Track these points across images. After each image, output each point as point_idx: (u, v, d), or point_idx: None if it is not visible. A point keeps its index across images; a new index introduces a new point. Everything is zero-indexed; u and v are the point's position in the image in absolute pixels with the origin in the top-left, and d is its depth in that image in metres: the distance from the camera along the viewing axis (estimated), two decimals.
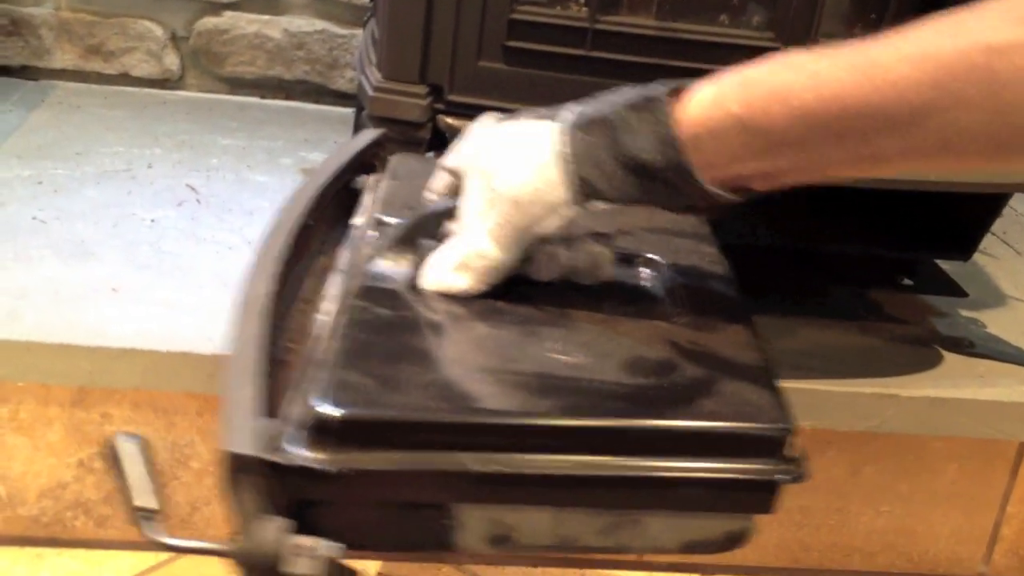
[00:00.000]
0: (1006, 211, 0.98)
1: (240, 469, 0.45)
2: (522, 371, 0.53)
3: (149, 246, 0.99)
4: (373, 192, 0.74)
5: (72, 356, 0.81)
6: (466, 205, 0.58)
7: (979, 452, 0.92)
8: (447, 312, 0.58)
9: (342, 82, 1.47)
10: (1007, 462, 0.93)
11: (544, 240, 0.59)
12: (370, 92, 0.88)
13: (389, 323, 0.56)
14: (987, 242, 1.06)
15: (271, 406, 0.50)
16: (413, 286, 0.60)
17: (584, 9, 0.84)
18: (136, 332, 0.83)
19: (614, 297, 0.62)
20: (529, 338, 0.56)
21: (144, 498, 0.48)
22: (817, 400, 0.87)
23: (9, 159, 1.14)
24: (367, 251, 0.63)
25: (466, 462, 0.48)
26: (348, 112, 1.40)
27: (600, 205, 0.55)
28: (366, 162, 0.83)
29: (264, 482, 0.46)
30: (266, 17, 1.44)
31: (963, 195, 0.93)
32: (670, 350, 0.56)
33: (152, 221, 1.04)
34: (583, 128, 0.54)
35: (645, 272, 0.65)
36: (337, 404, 0.48)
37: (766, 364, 0.56)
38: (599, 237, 0.62)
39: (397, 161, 0.78)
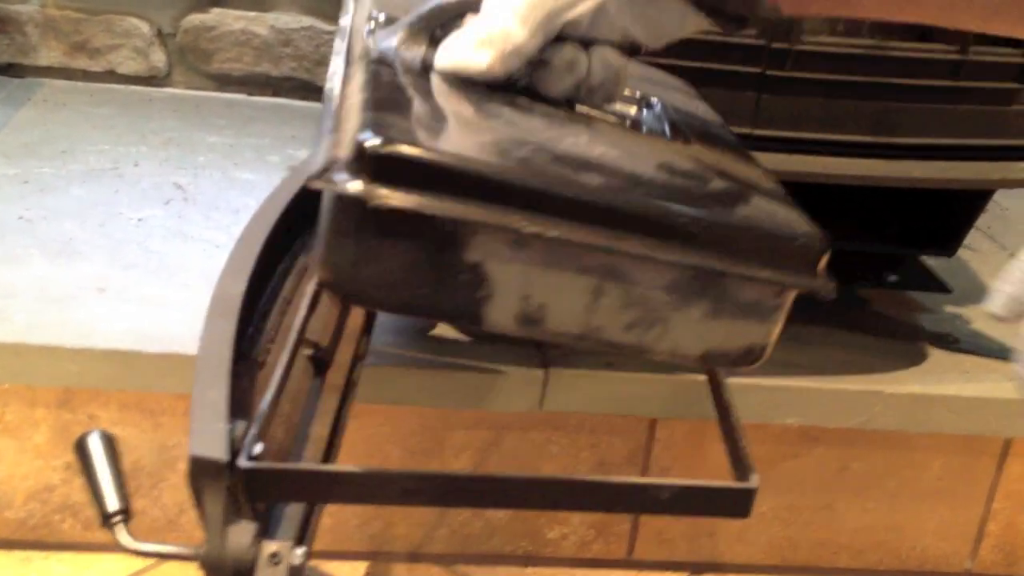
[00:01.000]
0: (990, 206, 0.98)
1: (207, 473, 0.45)
2: (560, 152, 0.50)
3: (136, 245, 0.98)
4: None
5: (58, 357, 0.81)
6: None
7: (965, 448, 0.93)
8: (469, 96, 0.55)
9: None
10: (992, 458, 0.93)
11: (567, 36, 0.56)
12: None
13: (411, 89, 0.53)
14: (971, 237, 1.06)
15: (241, 408, 0.50)
16: (428, 70, 0.56)
17: None
18: (123, 332, 0.83)
19: (625, 122, 0.60)
20: (558, 129, 0.54)
21: (113, 500, 0.48)
22: (803, 397, 0.87)
23: None
24: (373, 38, 0.59)
25: (514, 221, 0.45)
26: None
27: None
28: None
29: (232, 486, 0.45)
30: (253, 14, 1.43)
31: (947, 191, 0.93)
32: (695, 164, 0.55)
33: (139, 220, 1.04)
34: None
35: (648, 112, 0.63)
36: (384, 138, 0.44)
37: (785, 191, 0.55)
38: (623, 49, 0.58)
39: None
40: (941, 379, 0.90)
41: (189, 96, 1.44)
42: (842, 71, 0.86)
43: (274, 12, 1.44)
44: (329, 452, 0.61)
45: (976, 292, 1.06)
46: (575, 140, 0.53)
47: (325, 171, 0.44)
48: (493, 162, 0.46)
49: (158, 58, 1.44)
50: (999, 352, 0.95)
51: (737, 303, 0.50)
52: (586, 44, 0.57)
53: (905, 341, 0.95)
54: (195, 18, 1.43)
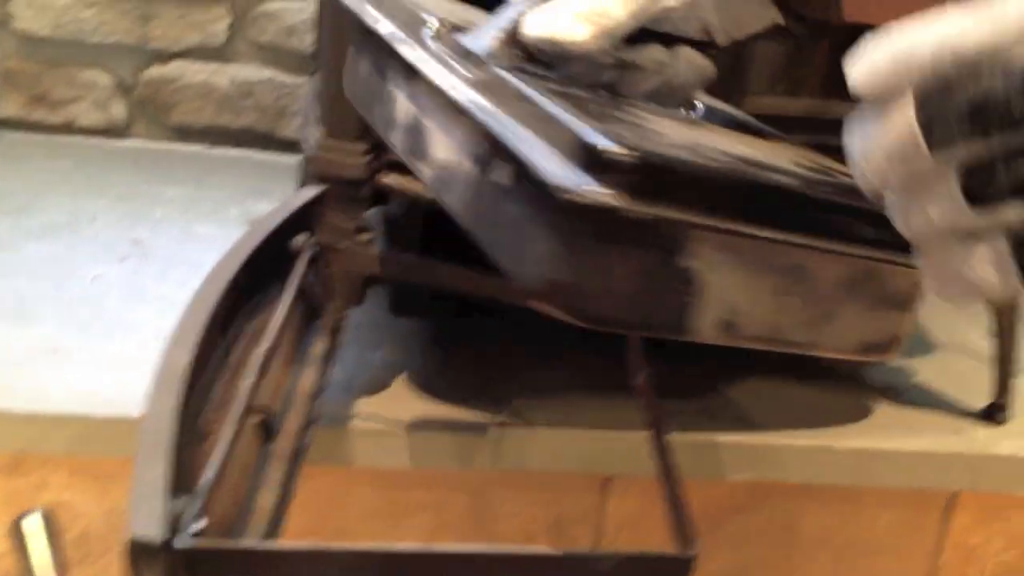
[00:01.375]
0: None
1: (145, 554, 0.45)
2: (732, 153, 0.51)
3: (91, 304, 0.98)
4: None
5: (9, 423, 0.80)
6: None
7: (911, 502, 0.94)
8: (605, 100, 0.54)
9: (290, 130, 1.48)
10: (938, 512, 0.95)
11: (648, 33, 0.56)
12: (312, 150, 0.88)
13: (569, 94, 0.52)
14: None
15: (186, 481, 0.50)
16: (533, 76, 0.55)
17: None
18: (75, 396, 0.83)
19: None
20: (694, 130, 0.53)
21: None
22: (752, 453, 0.88)
23: None
24: (445, 44, 0.57)
25: (735, 224, 0.45)
26: (296, 161, 1.40)
27: None
28: (306, 220, 0.83)
29: (170, 566, 0.45)
30: (213, 66, 1.44)
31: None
32: (807, 159, 0.56)
33: (94, 277, 1.04)
34: None
35: (693, 113, 0.63)
36: (627, 146, 0.43)
37: None
38: (701, 46, 0.59)
39: None
40: (886, 433, 0.91)
41: (149, 148, 1.44)
42: (784, 132, 0.88)
43: (235, 64, 1.45)
44: (275, 523, 0.61)
45: (920, 344, 1.08)
46: (719, 140, 0.53)
47: (560, 183, 0.42)
48: (714, 166, 0.46)
49: (118, 111, 1.45)
50: (943, 405, 0.96)
51: (890, 293, 0.52)
52: (665, 44, 0.58)
53: (851, 395, 0.97)
54: (155, 70, 1.43)
